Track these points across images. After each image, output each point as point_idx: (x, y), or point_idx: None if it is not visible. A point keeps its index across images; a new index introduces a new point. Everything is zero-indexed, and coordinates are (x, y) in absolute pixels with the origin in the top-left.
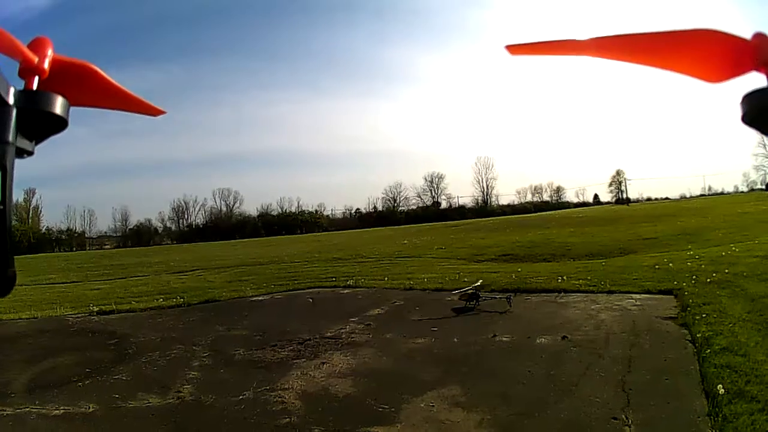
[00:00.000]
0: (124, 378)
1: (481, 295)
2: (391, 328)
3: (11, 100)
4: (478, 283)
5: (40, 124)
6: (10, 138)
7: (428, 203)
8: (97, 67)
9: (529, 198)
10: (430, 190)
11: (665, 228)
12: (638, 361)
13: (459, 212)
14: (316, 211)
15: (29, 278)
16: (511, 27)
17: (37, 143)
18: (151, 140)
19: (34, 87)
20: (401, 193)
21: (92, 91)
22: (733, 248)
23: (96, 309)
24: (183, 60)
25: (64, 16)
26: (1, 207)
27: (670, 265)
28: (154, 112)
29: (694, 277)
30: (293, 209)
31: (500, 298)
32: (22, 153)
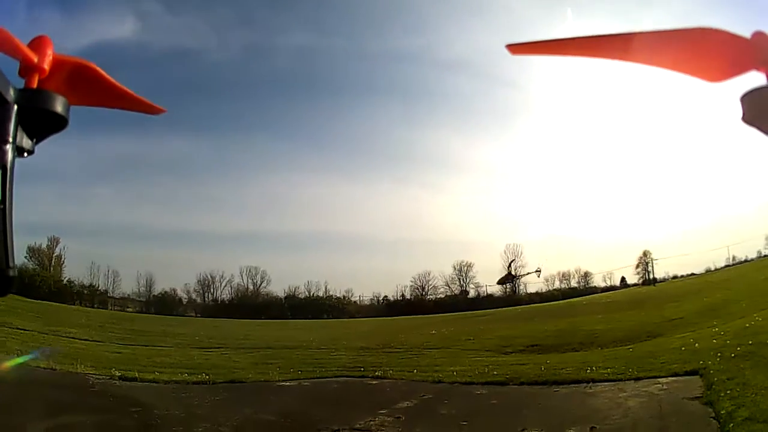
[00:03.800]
0: None
1: (515, 275)
2: (420, 421)
3: (11, 99)
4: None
5: (41, 123)
6: (10, 136)
7: (456, 292)
8: (97, 66)
9: (556, 285)
10: (459, 279)
11: (690, 306)
12: None
13: (487, 301)
14: (344, 296)
15: (48, 327)
16: (544, 112)
17: (37, 142)
18: (176, 210)
19: (35, 85)
20: (429, 282)
21: (93, 89)
22: (757, 317)
23: (118, 374)
24: (210, 133)
25: None
26: (2, 206)
27: (696, 345)
28: (154, 110)
29: (719, 354)
30: (320, 293)
31: (531, 273)
32: (22, 152)
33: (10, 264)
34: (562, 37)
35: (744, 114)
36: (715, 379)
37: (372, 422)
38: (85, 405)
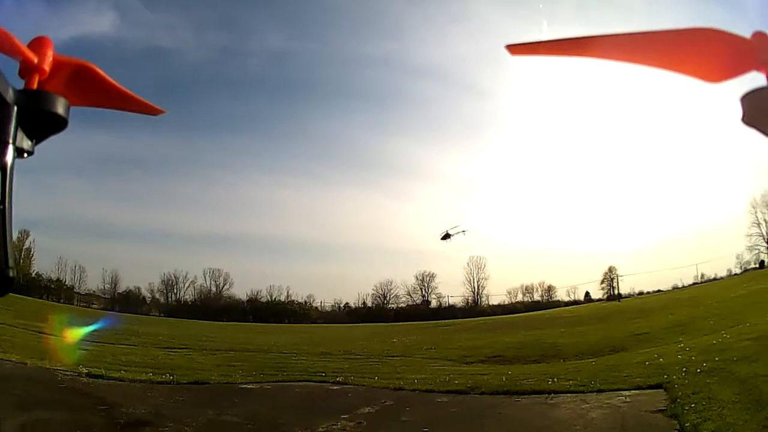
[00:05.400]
0: None
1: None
2: (382, 427)
3: (11, 100)
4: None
5: (40, 124)
6: (10, 137)
7: (418, 301)
8: (97, 67)
9: (519, 298)
10: (421, 289)
11: (656, 322)
12: None
13: (449, 312)
14: (305, 302)
15: (18, 320)
16: (513, 125)
17: (37, 143)
18: (144, 207)
19: (35, 86)
20: (391, 291)
21: (93, 90)
22: (725, 335)
23: (85, 371)
24: (182, 131)
25: None
26: (1, 207)
27: (661, 360)
28: (154, 111)
29: (684, 369)
30: (282, 298)
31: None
32: (22, 153)
33: (10, 264)
34: (562, 37)
35: (744, 115)
36: (680, 393)
37: (334, 427)
38: (55, 400)
